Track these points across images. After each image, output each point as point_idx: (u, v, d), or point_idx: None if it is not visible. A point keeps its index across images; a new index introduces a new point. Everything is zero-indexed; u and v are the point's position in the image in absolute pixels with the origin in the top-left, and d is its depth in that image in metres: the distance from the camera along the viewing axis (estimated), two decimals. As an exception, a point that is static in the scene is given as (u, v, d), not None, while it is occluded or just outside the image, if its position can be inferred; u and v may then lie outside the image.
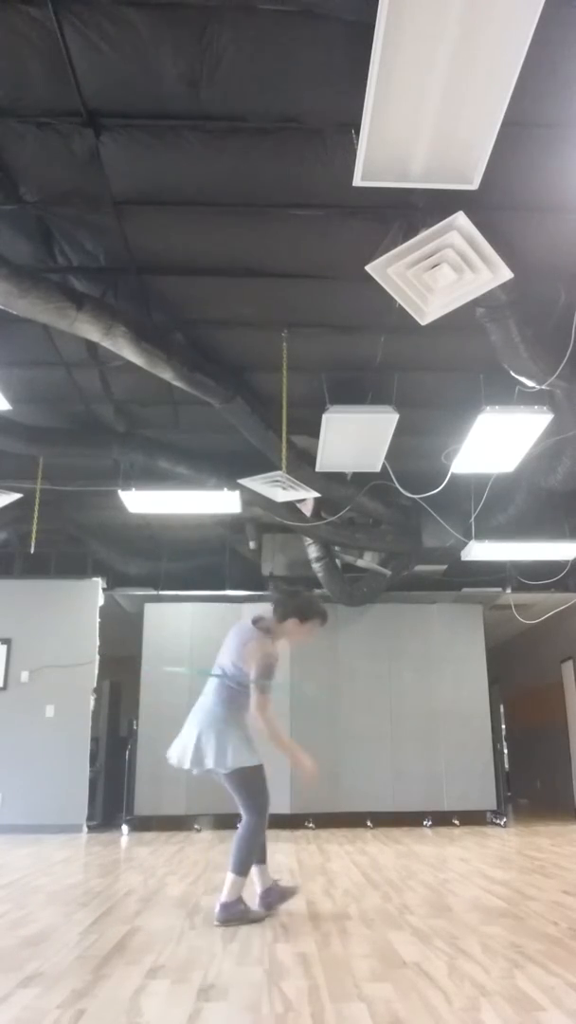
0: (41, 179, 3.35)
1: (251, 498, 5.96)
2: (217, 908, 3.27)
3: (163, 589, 8.57)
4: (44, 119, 3.02)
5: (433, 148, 2.66)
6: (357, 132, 2.96)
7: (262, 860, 3.46)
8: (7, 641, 8.07)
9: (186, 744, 3.40)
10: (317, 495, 5.72)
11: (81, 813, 7.63)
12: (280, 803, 7.50)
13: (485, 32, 2.25)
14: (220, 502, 6.08)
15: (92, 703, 8.03)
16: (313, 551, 7.34)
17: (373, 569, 7.68)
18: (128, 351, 4.01)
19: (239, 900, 3.28)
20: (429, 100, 2.47)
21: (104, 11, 2.59)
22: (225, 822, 8.14)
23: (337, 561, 7.69)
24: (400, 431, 5.14)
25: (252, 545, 7.90)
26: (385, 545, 6.96)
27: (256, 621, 3.59)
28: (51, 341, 4.58)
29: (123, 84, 2.87)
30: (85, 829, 7.61)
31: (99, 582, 8.39)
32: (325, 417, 4.77)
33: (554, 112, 2.98)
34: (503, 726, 12.30)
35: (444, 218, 3.18)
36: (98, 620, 8.27)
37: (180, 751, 3.42)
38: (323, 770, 8.13)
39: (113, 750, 8.86)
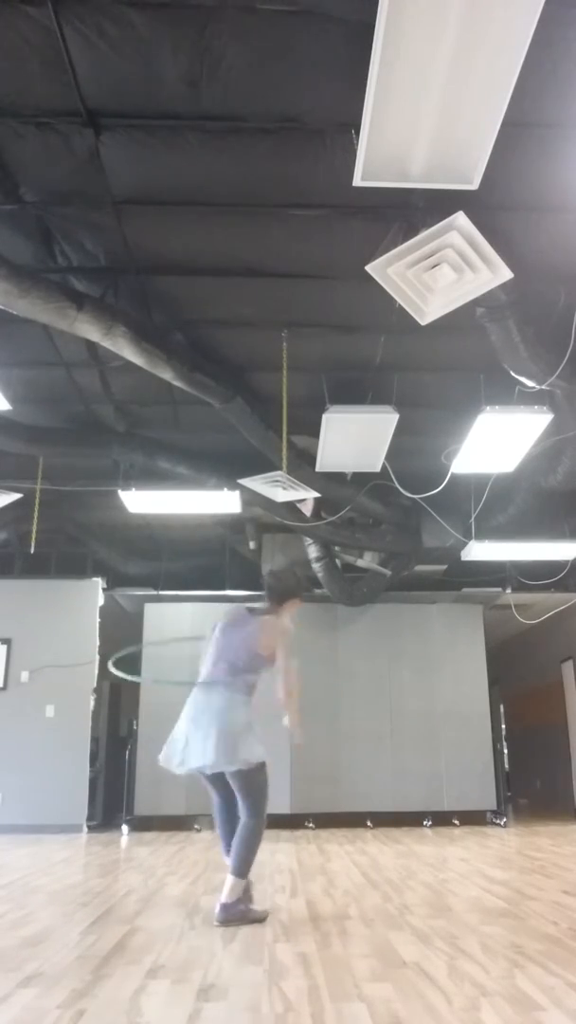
0: (41, 179, 3.35)
1: (251, 498, 5.96)
2: (217, 908, 3.26)
3: (163, 589, 8.57)
4: (44, 119, 3.03)
5: (433, 148, 2.66)
6: (357, 132, 2.96)
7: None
8: (7, 641, 8.07)
9: (194, 747, 3.32)
10: (317, 495, 5.72)
11: (81, 813, 7.63)
12: (280, 803, 7.51)
13: (485, 32, 2.25)
14: (220, 502, 6.08)
15: (92, 703, 8.03)
16: (313, 551, 7.35)
17: (373, 569, 7.68)
18: (128, 351, 4.01)
19: (239, 900, 3.28)
20: (429, 100, 2.47)
21: (104, 11, 2.59)
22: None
23: (337, 561, 7.69)
24: (400, 431, 5.14)
25: (252, 545, 7.89)
26: (385, 545, 6.96)
27: (253, 611, 3.59)
28: (51, 341, 4.58)
29: (123, 84, 2.87)
30: (85, 829, 7.61)
31: (99, 582, 8.39)
32: (325, 417, 4.77)
33: (554, 112, 2.98)
34: (503, 726, 12.30)
35: (444, 218, 3.18)
36: (98, 620, 8.27)
37: (184, 753, 3.34)
38: (323, 770, 8.15)
39: (113, 750, 8.86)
